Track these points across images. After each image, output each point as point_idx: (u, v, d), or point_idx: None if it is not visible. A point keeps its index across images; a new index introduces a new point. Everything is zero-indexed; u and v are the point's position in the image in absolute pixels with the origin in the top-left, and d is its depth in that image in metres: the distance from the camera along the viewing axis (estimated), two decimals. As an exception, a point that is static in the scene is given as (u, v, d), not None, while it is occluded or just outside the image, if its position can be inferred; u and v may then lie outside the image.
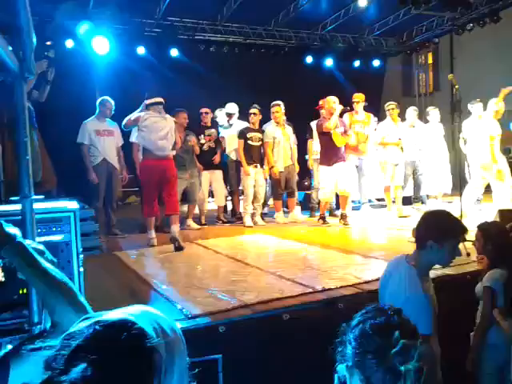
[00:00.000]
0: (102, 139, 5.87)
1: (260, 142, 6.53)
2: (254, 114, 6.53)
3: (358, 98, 7.16)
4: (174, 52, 10.07)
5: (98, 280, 3.67)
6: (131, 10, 9.15)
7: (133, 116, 5.28)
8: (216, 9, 10.06)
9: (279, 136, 6.59)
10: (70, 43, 8.92)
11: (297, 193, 7.09)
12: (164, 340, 0.72)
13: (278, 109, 6.61)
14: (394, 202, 7.05)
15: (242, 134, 6.49)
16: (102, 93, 6.86)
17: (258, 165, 6.51)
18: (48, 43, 4.79)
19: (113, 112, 6.03)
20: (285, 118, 6.78)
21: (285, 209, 6.99)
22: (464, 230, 2.10)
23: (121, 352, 0.67)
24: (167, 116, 5.39)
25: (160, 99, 5.32)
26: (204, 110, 6.75)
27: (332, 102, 6.20)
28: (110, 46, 9.31)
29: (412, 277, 2.07)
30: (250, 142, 6.45)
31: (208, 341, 2.51)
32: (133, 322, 0.70)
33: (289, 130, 6.81)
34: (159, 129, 5.18)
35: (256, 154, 6.49)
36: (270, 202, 7.33)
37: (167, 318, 0.81)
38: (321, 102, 6.89)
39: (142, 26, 9.54)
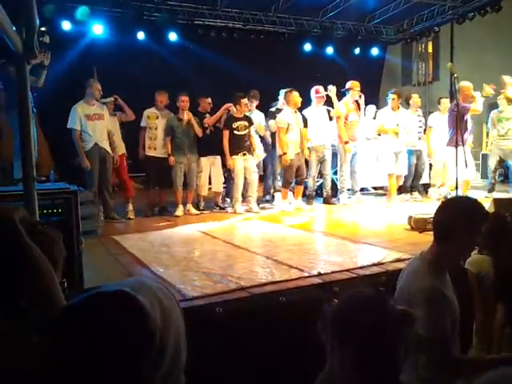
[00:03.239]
0: (92, 124, 5.77)
1: (247, 130, 6.41)
2: (242, 103, 6.37)
3: (355, 86, 7.12)
4: (173, 36, 10.01)
5: (97, 263, 3.71)
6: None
7: None
8: (215, -7, 9.98)
9: (294, 122, 6.52)
10: (67, 25, 8.88)
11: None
12: (159, 308, 0.75)
13: (296, 93, 6.54)
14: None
15: (228, 124, 6.34)
16: (101, 77, 6.85)
17: (247, 152, 6.43)
18: (43, 29, 4.76)
19: (101, 93, 5.93)
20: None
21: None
22: (488, 218, 1.91)
23: (116, 320, 0.70)
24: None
25: None
26: (206, 99, 6.67)
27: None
28: (109, 30, 9.28)
29: (422, 270, 1.85)
30: (236, 132, 6.32)
31: (205, 321, 2.56)
32: (128, 292, 0.73)
33: (299, 116, 6.69)
34: None
35: (243, 143, 6.39)
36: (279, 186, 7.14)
37: (163, 287, 0.84)
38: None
39: (140, 10, 9.47)
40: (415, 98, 7.58)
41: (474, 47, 11.66)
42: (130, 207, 6.22)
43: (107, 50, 8.98)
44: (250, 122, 6.53)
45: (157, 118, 6.36)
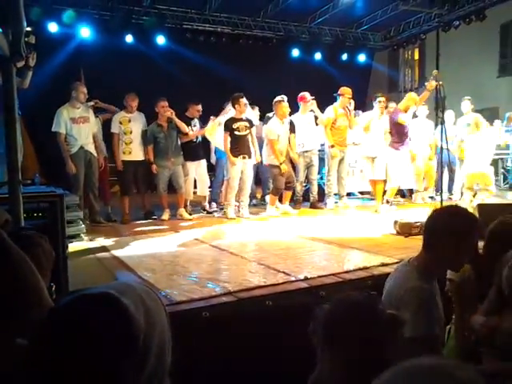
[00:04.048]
0: (77, 127, 5.72)
1: (247, 131, 6.34)
2: (241, 102, 6.27)
3: (346, 93, 7.15)
4: (161, 40, 10.02)
5: (82, 267, 3.69)
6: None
7: None
8: (204, -2, 10.01)
9: (282, 133, 6.54)
10: (53, 27, 8.82)
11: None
12: (144, 309, 0.76)
13: (285, 104, 6.53)
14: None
15: (227, 126, 6.25)
16: (88, 80, 6.82)
17: (247, 156, 6.33)
18: (28, 29, 4.71)
19: (86, 96, 5.87)
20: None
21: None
22: (479, 228, 1.90)
23: (100, 322, 0.71)
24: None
25: None
26: (198, 106, 6.64)
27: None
28: (97, 33, 9.24)
29: (411, 275, 1.85)
30: (236, 132, 6.24)
31: (192, 326, 2.55)
32: (112, 294, 0.74)
33: (287, 125, 6.68)
34: None
35: (244, 145, 6.30)
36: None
37: (149, 289, 0.85)
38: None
39: (129, 14, 9.45)
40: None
41: (459, 55, 11.83)
42: (110, 210, 6.24)
43: (95, 53, 8.94)
44: (251, 124, 6.45)
45: (129, 121, 6.20)
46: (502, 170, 8.69)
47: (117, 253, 4.23)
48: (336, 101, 7.15)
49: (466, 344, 2.28)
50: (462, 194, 7.35)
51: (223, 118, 6.48)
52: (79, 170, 5.68)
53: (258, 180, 7.63)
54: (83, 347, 0.69)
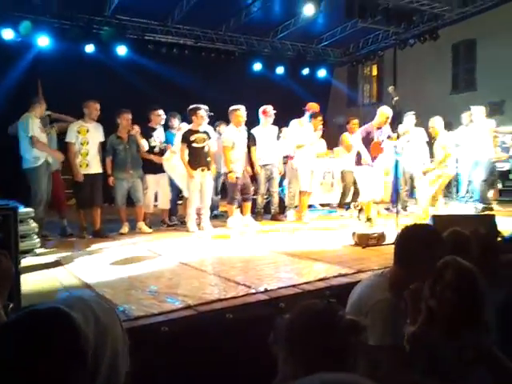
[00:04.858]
0: (43, 138, 5.60)
1: (206, 143, 6.28)
2: (199, 114, 6.25)
3: (312, 108, 7.23)
4: (122, 50, 9.92)
5: (35, 282, 3.56)
6: (79, 7, 8.94)
7: None
8: (167, 10, 10.02)
9: (238, 140, 6.55)
10: (8, 34, 8.57)
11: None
12: (95, 324, 0.77)
13: (241, 113, 6.56)
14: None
15: (185, 138, 6.18)
16: (47, 90, 6.64)
17: (206, 168, 6.26)
18: None
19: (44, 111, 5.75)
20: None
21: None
22: (445, 246, 2.02)
23: (47, 337, 0.71)
24: None
25: None
26: (157, 112, 6.61)
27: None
28: (56, 42, 9.05)
29: (382, 286, 1.93)
30: (194, 144, 6.17)
31: (150, 341, 2.51)
32: (61, 309, 0.74)
33: (244, 134, 6.73)
34: None
35: (202, 157, 6.23)
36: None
37: (102, 301, 0.86)
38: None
39: (89, 23, 9.33)
40: (353, 124, 7.89)
41: (414, 72, 12.32)
42: (65, 223, 6.06)
43: (54, 62, 8.73)
44: (209, 136, 6.40)
45: (87, 131, 5.90)
46: (455, 182, 9.04)
47: (72, 268, 4.11)
48: (303, 115, 7.17)
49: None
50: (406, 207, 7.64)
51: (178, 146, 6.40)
52: (42, 184, 5.48)
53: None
54: (31, 362, 0.69)
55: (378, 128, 6.32)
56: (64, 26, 9.18)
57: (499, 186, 8.90)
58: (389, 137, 6.22)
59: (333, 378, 0.71)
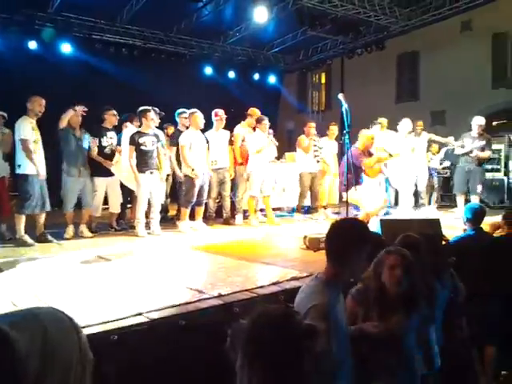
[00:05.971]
0: None
1: (154, 146, 6.14)
2: (149, 116, 6.11)
3: (253, 113, 7.37)
4: (67, 48, 9.58)
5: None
6: (20, 2, 8.54)
7: None
8: (116, 10, 9.78)
9: (196, 142, 6.49)
10: None
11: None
12: (42, 343, 0.72)
13: (198, 116, 6.54)
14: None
15: (133, 140, 6.02)
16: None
17: (154, 171, 6.15)
18: None
19: None
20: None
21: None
22: (379, 239, 2.08)
23: None
24: None
25: None
26: (112, 111, 6.40)
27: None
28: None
29: (317, 290, 1.92)
30: (143, 147, 6.02)
31: (99, 351, 2.39)
32: (2, 330, 0.69)
33: (203, 137, 6.68)
34: None
35: (151, 160, 6.10)
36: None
37: (58, 312, 0.81)
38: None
39: (32, 18, 8.92)
40: (309, 127, 8.02)
41: (361, 80, 12.70)
42: (4, 228, 5.74)
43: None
44: (158, 138, 6.29)
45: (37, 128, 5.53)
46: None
47: (13, 275, 3.87)
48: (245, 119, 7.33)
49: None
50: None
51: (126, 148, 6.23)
52: None
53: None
54: None
55: (366, 150, 6.38)
56: (4, 21, 8.73)
57: (435, 194, 9.24)
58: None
59: None
